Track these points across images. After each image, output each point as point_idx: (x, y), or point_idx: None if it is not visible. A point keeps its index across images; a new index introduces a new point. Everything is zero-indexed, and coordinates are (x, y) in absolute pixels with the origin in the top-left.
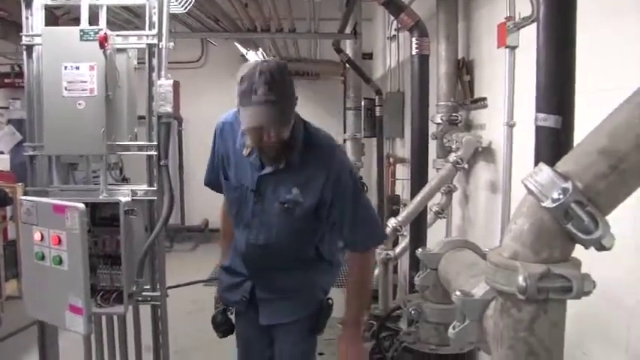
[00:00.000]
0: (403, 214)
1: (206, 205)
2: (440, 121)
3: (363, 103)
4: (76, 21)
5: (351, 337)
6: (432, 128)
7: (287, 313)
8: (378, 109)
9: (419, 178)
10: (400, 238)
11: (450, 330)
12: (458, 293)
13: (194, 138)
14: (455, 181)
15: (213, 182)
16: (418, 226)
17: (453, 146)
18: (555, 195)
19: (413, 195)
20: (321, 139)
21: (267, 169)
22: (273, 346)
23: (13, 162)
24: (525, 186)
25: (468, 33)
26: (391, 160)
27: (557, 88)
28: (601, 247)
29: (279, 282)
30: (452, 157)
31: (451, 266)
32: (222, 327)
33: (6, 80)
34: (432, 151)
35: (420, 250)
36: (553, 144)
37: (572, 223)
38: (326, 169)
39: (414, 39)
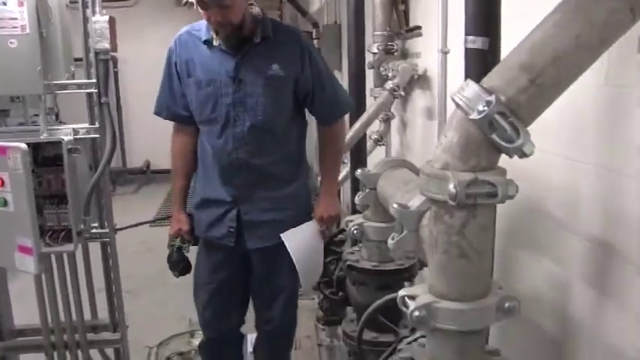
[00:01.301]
0: None
1: (147, 147)
2: (376, 51)
3: None
4: None
5: (329, 191)
6: (369, 58)
7: (275, 235)
8: (315, 42)
9: (357, 107)
10: (341, 166)
11: (390, 240)
12: (395, 206)
13: (131, 79)
14: (393, 109)
15: (165, 108)
16: (358, 154)
17: (390, 74)
18: (480, 107)
19: (352, 123)
20: (286, 24)
21: (246, 48)
22: (248, 287)
23: None
24: (454, 100)
25: None
26: None
27: (485, 11)
28: (522, 154)
29: (265, 195)
30: (389, 84)
31: (389, 184)
32: (179, 266)
33: None
34: (370, 80)
35: (359, 170)
36: (481, 64)
37: (496, 133)
38: (298, 45)
39: None
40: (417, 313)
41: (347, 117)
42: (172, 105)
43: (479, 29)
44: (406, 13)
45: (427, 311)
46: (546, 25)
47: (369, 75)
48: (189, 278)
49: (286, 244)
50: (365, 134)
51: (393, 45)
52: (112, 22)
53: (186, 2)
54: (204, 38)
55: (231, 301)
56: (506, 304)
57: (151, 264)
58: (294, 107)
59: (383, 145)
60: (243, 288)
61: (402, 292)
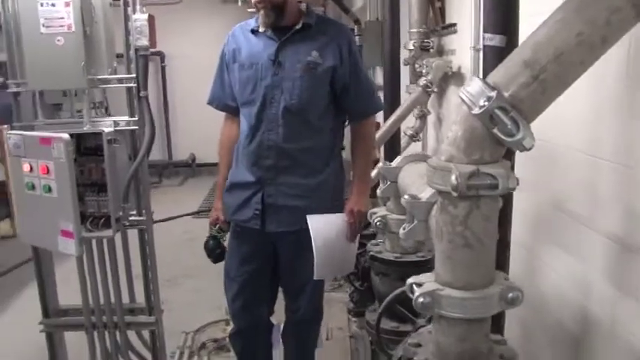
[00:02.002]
0: (377, 135)
1: (193, 141)
2: (412, 48)
3: None
4: None
5: (361, 188)
6: (405, 55)
7: (295, 221)
8: (357, 38)
9: (391, 103)
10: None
11: (401, 230)
12: (407, 197)
13: (178, 74)
14: (429, 106)
15: (216, 98)
16: (392, 149)
17: (424, 71)
18: (481, 102)
19: (386, 119)
20: (332, 19)
21: (288, 34)
22: (276, 278)
23: None
24: (459, 97)
25: None
26: None
27: (502, 9)
28: (523, 148)
29: (290, 181)
30: (422, 81)
31: (407, 177)
32: (215, 252)
33: None
34: (406, 76)
35: (380, 164)
36: (498, 62)
37: (497, 128)
38: (340, 38)
39: None
40: (421, 300)
41: (380, 114)
42: (222, 96)
43: (496, 27)
44: (442, 10)
45: (431, 298)
46: (550, 23)
47: (406, 71)
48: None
49: (310, 225)
50: (399, 129)
51: (428, 42)
52: (151, 20)
53: None
54: (252, 27)
55: (259, 292)
56: (510, 295)
57: (192, 254)
58: (331, 99)
59: (418, 140)
60: (271, 280)
61: (410, 280)
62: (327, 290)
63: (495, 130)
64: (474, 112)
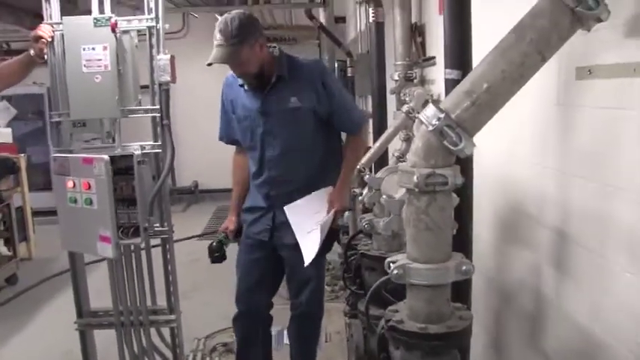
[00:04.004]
0: (366, 156)
1: (195, 168)
2: (397, 78)
3: (336, 65)
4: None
5: (342, 183)
6: (392, 85)
7: None
8: (350, 70)
9: (379, 128)
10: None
11: (380, 223)
12: (384, 197)
13: (180, 105)
14: (415, 130)
15: (226, 133)
16: (381, 168)
17: (407, 99)
18: (434, 122)
19: (374, 142)
20: (302, 60)
21: (268, 88)
22: (278, 275)
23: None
24: (418, 119)
25: (419, 0)
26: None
27: (458, 50)
28: (465, 154)
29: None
30: (405, 107)
31: (388, 185)
32: (214, 254)
33: None
34: (393, 104)
35: (367, 175)
36: None
37: (446, 140)
38: (312, 78)
39: (370, 9)
40: (395, 272)
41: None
42: (230, 132)
43: (454, 64)
44: (423, 44)
45: (403, 270)
46: (483, 63)
47: (393, 100)
48: (230, 285)
49: (289, 217)
50: (387, 151)
51: (412, 73)
52: (172, 59)
53: (210, 63)
54: (239, 83)
55: (261, 278)
56: (463, 267)
57: (199, 272)
58: (318, 127)
59: (404, 161)
60: (272, 274)
61: (387, 260)
62: (325, 300)
63: (445, 142)
64: (429, 129)
